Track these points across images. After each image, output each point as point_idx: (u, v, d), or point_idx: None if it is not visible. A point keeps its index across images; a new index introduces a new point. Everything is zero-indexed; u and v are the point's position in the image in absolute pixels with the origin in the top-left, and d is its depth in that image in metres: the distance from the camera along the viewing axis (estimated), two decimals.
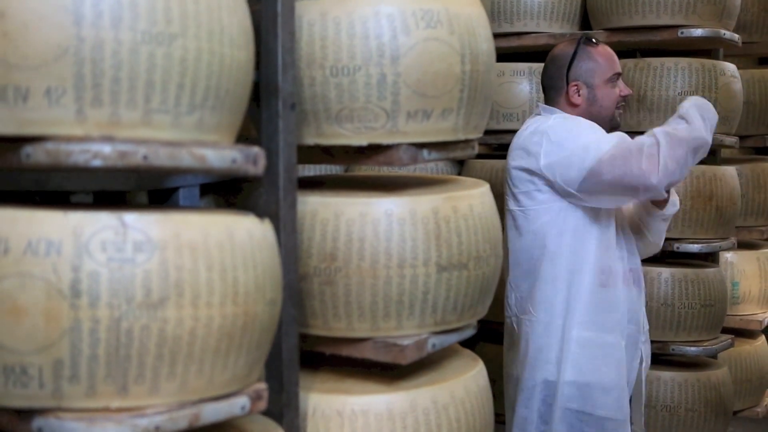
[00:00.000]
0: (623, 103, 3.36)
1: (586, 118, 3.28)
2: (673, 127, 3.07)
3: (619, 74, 3.33)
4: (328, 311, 2.33)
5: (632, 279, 3.30)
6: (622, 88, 3.33)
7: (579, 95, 3.29)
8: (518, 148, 3.23)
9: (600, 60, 3.30)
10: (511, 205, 3.26)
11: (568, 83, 3.30)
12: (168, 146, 1.79)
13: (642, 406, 3.45)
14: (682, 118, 3.10)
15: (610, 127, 3.31)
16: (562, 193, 3.14)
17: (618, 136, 3.11)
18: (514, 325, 3.32)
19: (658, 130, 3.05)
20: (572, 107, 3.31)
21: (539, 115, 3.35)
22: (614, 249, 3.24)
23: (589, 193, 3.10)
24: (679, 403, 4.49)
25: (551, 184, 3.14)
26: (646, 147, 3.02)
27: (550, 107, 3.34)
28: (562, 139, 3.13)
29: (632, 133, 4.25)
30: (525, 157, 3.19)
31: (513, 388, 3.34)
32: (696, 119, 3.08)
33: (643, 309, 3.38)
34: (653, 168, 3.00)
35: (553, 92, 3.36)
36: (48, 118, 1.71)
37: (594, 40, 3.36)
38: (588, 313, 3.18)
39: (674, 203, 3.39)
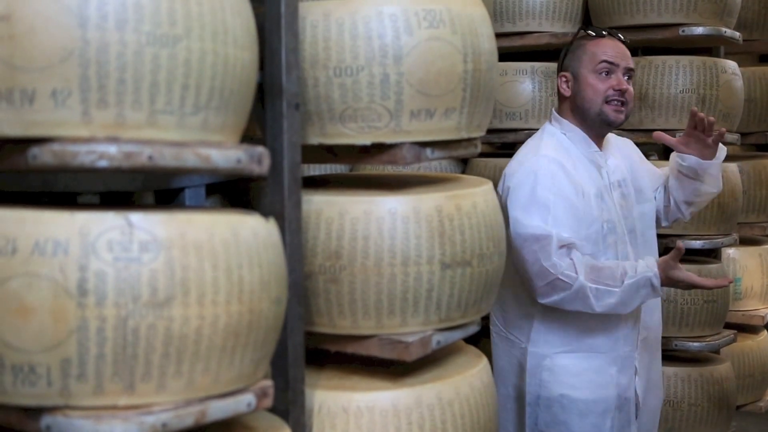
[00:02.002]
0: (619, 99, 3.19)
1: (574, 110, 3.24)
2: (607, 285, 2.99)
3: (611, 63, 3.20)
4: (333, 309, 2.34)
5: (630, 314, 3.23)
6: (616, 82, 3.19)
7: (567, 86, 3.24)
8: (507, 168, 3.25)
9: (589, 49, 3.22)
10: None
11: (558, 74, 3.29)
12: (173, 146, 1.80)
13: (653, 411, 3.42)
14: (622, 282, 3.00)
15: (601, 124, 3.23)
16: None
17: (546, 233, 3.00)
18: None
19: (582, 285, 2.97)
20: (565, 100, 3.27)
21: (550, 121, 3.34)
22: None
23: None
24: (682, 398, 4.50)
25: None
26: (558, 286, 3.00)
27: (555, 114, 3.31)
28: (511, 200, 3.08)
29: (633, 132, 4.28)
30: (501, 179, 3.22)
31: None
32: (630, 297, 3.02)
33: (646, 320, 3.33)
34: (551, 298, 3.03)
35: (556, 85, 3.35)
36: (54, 119, 1.72)
37: (595, 32, 3.28)
38: (561, 343, 3.17)
39: (723, 148, 3.38)
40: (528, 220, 3.01)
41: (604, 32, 3.28)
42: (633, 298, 3.03)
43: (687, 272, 3.07)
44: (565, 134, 3.22)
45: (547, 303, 3.05)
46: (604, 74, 3.19)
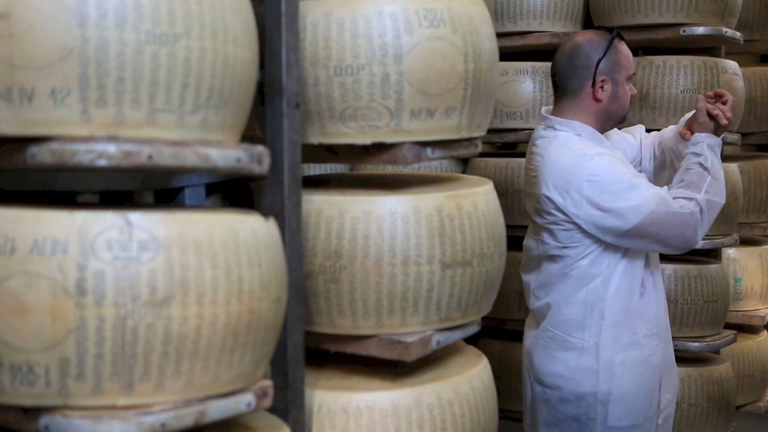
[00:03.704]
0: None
1: (603, 115, 3.20)
2: (706, 182, 3.11)
3: (634, 74, 3.29)
4: (333, 309, 2.34)
5: (658, 285, 3.30)
6: (633, 89, 3.27)
7: (603, 90, 3.17)
8: (554, 178, 3.11)
9: (624, 56, 3.22)
10: (538, 220, 3.20)
11: (596, 76, 3.16)
12: (172, 146, 1.80)
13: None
14: (705, 169, 3.13)
15: (619, 123, 3.31)
16: (590, 235, 3.13)
17: (657, 194, 3.05)
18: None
19: (702, 200, 3.08)
20: (595, 102, 3.18)
21: (551, 128, 3.21)
22: (642, 260, 3.23)
23: (624, 241, 3.10)
24: (682, 398, 4.48)
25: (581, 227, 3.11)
26: (697, 218, 3.07)
27: (564, 119, 3.20)
28: (604, 201, 3.03)
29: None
30: (561, 194, 3.09)
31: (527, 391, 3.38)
32: (720, 172, 3.16)
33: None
34: (699, 237, 3.11)
35: (574, 83, 3.19)
36: (53, 118, 1.72)
37: (622, 37, 3.26)
38: (629, 334, 3.18)
39: None
40: (638, 200, 3.03)
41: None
42: (718, 167, 3.17)
43: (699, 117, 3.24)
44: (579, 135, 3.18)
45: (701, 236, 3.14)
46: (630, 82, 3.26)
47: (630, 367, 3.19)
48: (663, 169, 3.46)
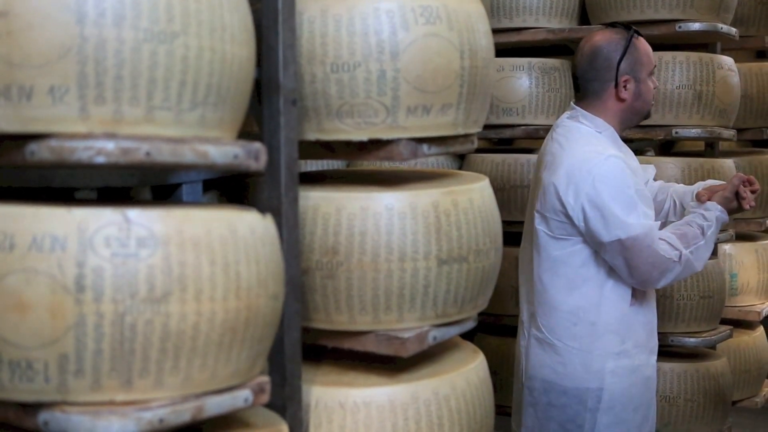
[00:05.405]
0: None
1: (628, 113, 3.24)
2: (696, 244, 3.16)
3: (655, 66, 3.29)
4: (330, 305, 2.34)
5: (648, 296, 3.30)
6: (654, 82, 3.30)
7: (626, 90, 3.20)
8: (565, 167, 3.13)
9: (644, 52, 3.24)
10: (537, 206, 3.21)
11: (618, 77, 3.20)
12: (170, 142, 1.81)
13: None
14: (703, 234, 3.18)
15: (640, 121, 3.35)
16: (579, 233, 3.14)
17: (649, 225, 3.07)
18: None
19: (684, 255, 3.11)
20: (619, 102, 3.22)
21: (575, 119, 3.26)
22: None
23: (600, 250, 3.11)
24: (678, 393, 4.50)
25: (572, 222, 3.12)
26: (670, 267, 3.10)
27: (589, 114, 3.24)
28: (601, 201, 3.04)
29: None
30: (566, 183, 3.10)
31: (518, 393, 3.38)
32: (711, 246, 3.22)
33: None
34: (661, 284, 3.15)
35: (596, 85, 3.22)
36: (52, 115, 1.73)
37: (639, 33, 3.28)
38: (620, 342, 3.18)
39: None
40: (632, 219, 3.04)
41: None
42: (712, 241, 3.23)
43: (728, 191, 3.30)
44: (600, 132, 3.21)
45: (662, 286, 3.19)
46: (651, 77, 3.28)
47: (620, 376, 3.19)
48: (656, 214, 3.49)
